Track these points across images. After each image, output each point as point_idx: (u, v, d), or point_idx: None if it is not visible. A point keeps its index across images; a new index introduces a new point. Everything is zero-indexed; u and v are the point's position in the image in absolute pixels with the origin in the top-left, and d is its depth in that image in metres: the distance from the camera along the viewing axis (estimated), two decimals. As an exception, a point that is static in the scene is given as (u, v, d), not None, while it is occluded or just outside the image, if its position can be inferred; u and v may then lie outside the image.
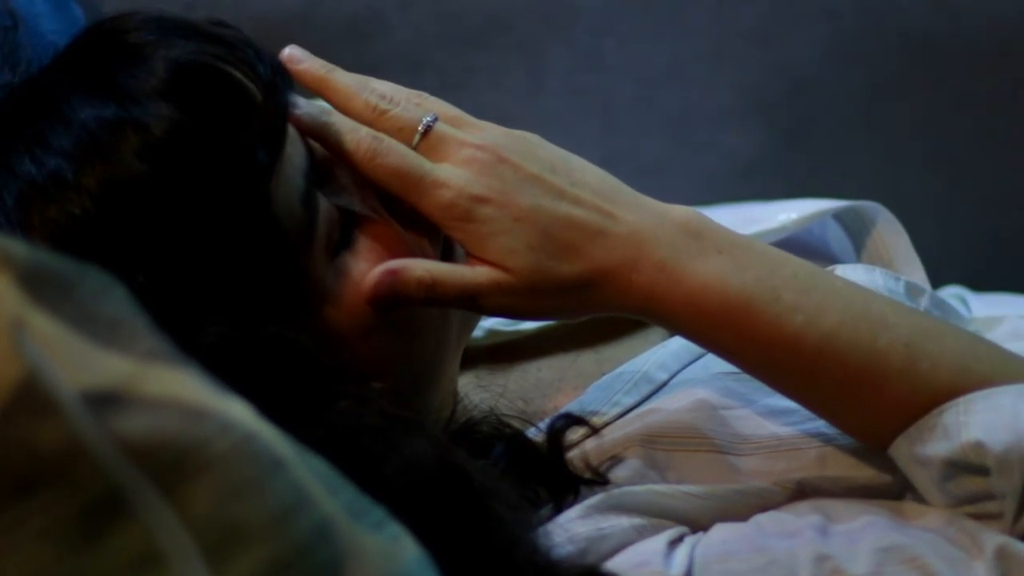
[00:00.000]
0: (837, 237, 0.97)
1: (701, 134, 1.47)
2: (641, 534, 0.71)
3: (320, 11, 1.39)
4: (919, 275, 0.91)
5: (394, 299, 0.72)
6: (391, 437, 0.64)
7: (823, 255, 0.97)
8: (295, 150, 0.71)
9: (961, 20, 1.42)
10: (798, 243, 0.96)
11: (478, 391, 0.86)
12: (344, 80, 0.75)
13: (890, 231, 0.94)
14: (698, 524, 0.73)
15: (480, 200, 0.72)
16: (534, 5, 1.43)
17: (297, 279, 0.70)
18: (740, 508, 0.74)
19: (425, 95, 0.77)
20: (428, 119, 0.74)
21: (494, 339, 0.90)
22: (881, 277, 0.86)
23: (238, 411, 0.52)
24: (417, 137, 0.74)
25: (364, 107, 0.74)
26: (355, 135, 0.72)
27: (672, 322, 0.74)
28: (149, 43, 0.67)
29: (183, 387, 0.51)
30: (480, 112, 1.43)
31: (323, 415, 0.63)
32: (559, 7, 1.43)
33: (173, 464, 0.48)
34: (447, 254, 0.79)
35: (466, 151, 0.73)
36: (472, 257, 0.73)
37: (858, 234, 0.95)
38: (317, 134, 0.73)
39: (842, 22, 1.42)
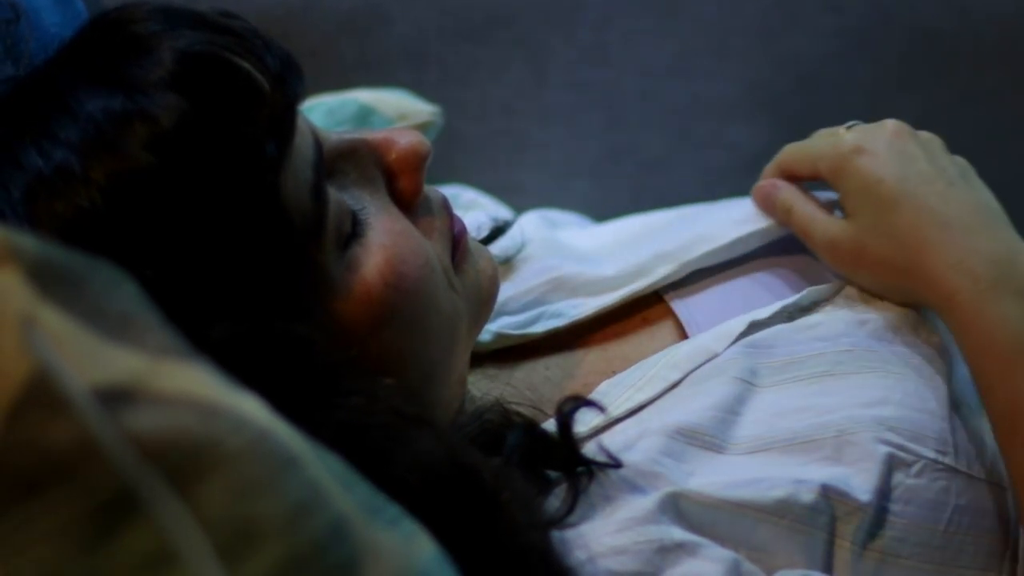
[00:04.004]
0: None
1: (705, 128, 1.46)
2: (682, 548, 0.70)
3: (321, 4, 1.38)
4: None
5: (764, 204, 0.90)
6: (401, 434, 0.64)
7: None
8: (304, 142, 0.70)
9: (966, 14, 1.42)
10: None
11: (485, 381, 0.86)
12: None
13: None
14: (736, 541, 0.72)
15: (856, 151, 0.83)
16: (536, -1, 1.42)
17: (306, 273, 0.69)
18: (770, 523, 0.73)
19: None
20: (849, 123, 0.87)
21: (503, 343, 0.90)
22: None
23: (252, 408, 0.51)
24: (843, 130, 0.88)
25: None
26: None
27: (956, 330, 0.78)
28: (156, 33, 0.66)
29: (196, 383, 0.50)
30: (483, 106, 1.43)
31: (333, 412, 0.63)
32: (561, 0, 1.42)
33: (187, 462, 0.48)
34: (455, 251, 0.79)
35: (875, 125, 0.85)
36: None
37: None
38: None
39: (847, 16, 1.42)
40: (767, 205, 0.90)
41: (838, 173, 0.84)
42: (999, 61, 1.44)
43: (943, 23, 1.42)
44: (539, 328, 0.90)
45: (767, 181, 0.91)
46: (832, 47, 1.43)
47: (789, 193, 0.88)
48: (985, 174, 1.51)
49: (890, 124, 0.84)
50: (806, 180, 0.89)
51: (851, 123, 0.87)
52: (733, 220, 0.93)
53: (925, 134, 0.85)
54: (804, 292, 0.85)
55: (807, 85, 1.44)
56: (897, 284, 0.82)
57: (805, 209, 0.87)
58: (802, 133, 1.47)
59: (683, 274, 0.91)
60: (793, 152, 0.90)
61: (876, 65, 1.44)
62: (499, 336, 0.90)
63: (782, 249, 0.93)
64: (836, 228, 0.84)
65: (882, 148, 0.83)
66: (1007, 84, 1.45)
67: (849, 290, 0.86)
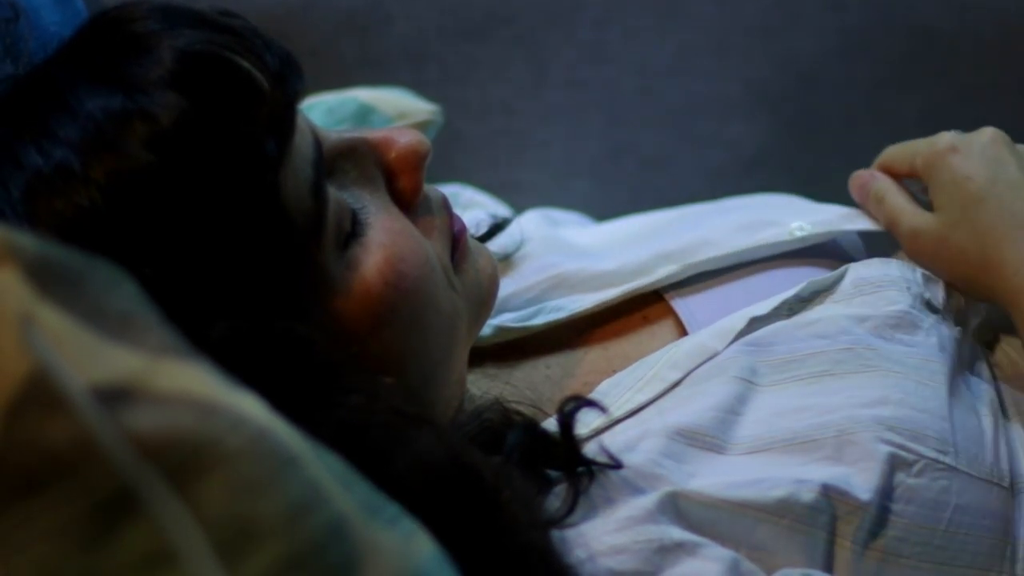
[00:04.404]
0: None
1: (705, 127, 1.46)
2: (681, 547, 0.70)
3: (321, 4, 1.38)
4: None
5: (860, 192, 0.95)
6: (401, 434, 0.64)
7: (834, 253, 0.96)
8: (304, 141, 0.70)
9: (966, 14, 1.42)
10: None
11: (484, 380, 0.86)
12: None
13: None
14: (736, 541, 0.72)
15: (951, 149, 0.87)
16: (536, -4, 1.42)
17: (306, 272, 0.69)
18: (770, 523, 0.73)
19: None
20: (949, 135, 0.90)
21: (504, 336, 0.89)
22: (897, 268, 0.87)
23: (251, 406, 0.51)
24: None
25: None
26: None
27: (1022, 327, 0.81)
28: (155, 32, 0.66)
29: (195, 382, 0.50)
30: (483, 105, 1.43)
31: (332, 411, 0.62)
32: (561, 0, 1.42)
33: (185, 461, 0.48)
34: (455, 250, 0.79)
35: (975, 132, 0.88)
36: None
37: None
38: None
39: (847, 14, 1.42)
40: (862, 193, 0.94)
41: (931, 168, 0.87)
42: (999, 60, 1.44)
43: (943, 23, 1.42)
44: (539, 321, 0.90)
45: (867, 171, 0.95)
46: (832, 46, 1.43)
47: (884, 183, 0.93)
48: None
49: (988, 131, 0.88)
50: (903, 177, 0.93)
51: (952, 132, 0.91)
52: (737, 226, 0.93)
53: (1023, 147, 0.88)
54: (804, 283, 0.85)
55: (807, 84, 1.44)
56: (971, 277, 0.84)
57: (896, 199, 0.91)
58: (802, 132, 1.47)
59: (685, 276, 0.91)
60: (893, 150, 0.94)
61: (876, 64, 1.44)
62: (500, 330, 0.90)
63: (783, 254, 0.93)
64: (921, 219, 0.88)
65: (976, 150, 0.86)
66: (1007, 83, 1.45)
67: (849, 280, 0.86)
